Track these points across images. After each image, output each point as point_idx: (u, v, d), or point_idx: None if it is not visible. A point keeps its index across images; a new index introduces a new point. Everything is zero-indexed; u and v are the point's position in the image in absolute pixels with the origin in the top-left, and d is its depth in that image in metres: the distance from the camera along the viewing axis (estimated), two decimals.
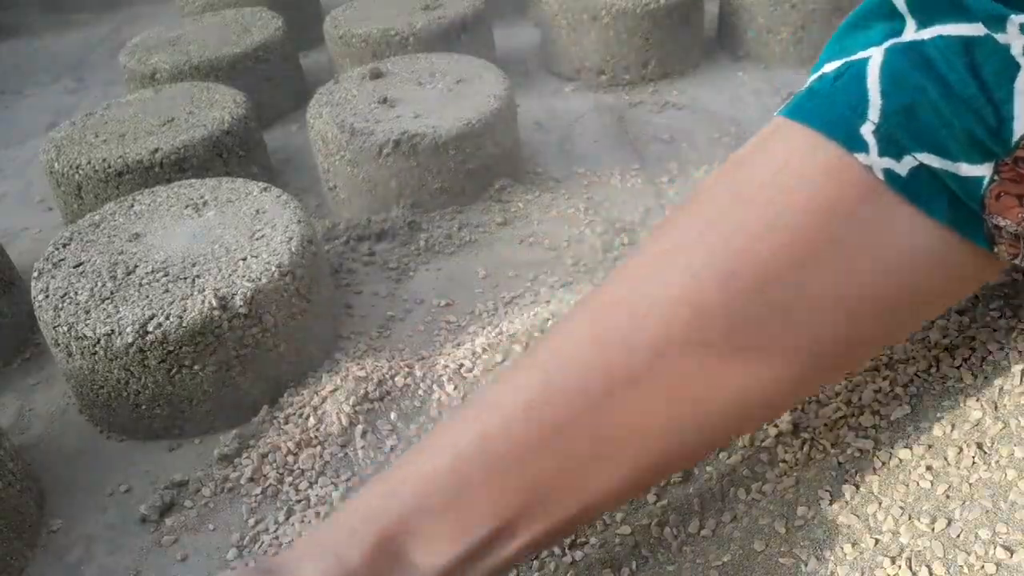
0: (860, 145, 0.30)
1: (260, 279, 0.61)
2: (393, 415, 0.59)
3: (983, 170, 0.29)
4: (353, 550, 0.29)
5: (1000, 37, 0.28)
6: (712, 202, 0.31)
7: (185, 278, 0.62)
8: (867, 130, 0.30)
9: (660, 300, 0.29)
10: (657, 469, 0.31)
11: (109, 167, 0.83)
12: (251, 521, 0.54)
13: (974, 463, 0.35)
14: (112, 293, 0.61)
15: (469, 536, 0.29)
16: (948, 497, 0.34)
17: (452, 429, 0.31)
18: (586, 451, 0.29)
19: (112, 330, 0.58)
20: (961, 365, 0.39)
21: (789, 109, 0.33)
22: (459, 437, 0.30)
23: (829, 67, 0.33)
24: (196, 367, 0.60)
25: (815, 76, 0.33)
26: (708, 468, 0.43)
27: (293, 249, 0.64)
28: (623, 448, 0.30)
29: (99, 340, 0.58)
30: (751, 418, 0.32)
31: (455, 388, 0.61)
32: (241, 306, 0.60)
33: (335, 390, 0.61)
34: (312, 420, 0.59)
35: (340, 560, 0.28)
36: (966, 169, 0.29)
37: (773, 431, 0.43)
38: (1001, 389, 0.36)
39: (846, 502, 0.37)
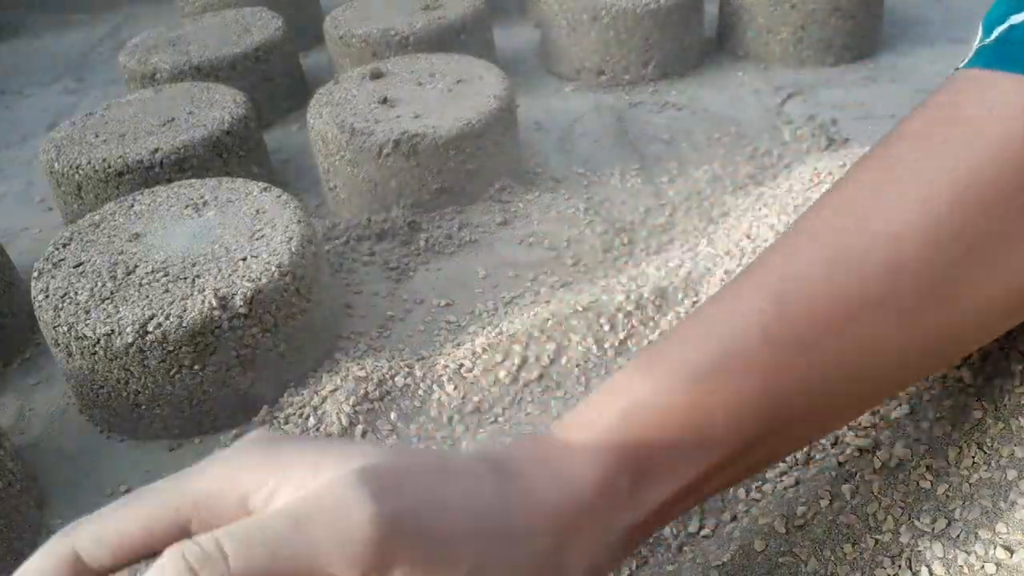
0: None
1: (260, 279, 0.61)
2: (393, 415, 0.59)
3: None
4: (588, 473, 0.27)
5: None
6: (920, 139, 0.32)
7: (185, 278, 0.62)
8: None
9: (891, 224, 0.29)
10: (880, 394, 0.32)
11: (109, 167, 0.83)
12: None
13: (974, 463, 0.35)
14: (112, 293, 0.61)
15: (707, 459, 0.28)
16: (948, 497, 0.34)
17: (682, 349, 0.30)
18: (825, 375, 0.29)
19: (112, 330, 0.58)
20: (961, 365, 0.39)
21: (981, 60, 0.33)
22: (694, 359, 0.29)
23: (1016, 18, 0.33)
24: (196, 367, 0.60)
25: (1002, 28, 0.34)
26: None
27: (293, 249, 0.64)
28: (858, 372, 0.29)
29: (99, 340, 0.58)
30: (976, 337, 0.32)
31: (455, 388, 0.61)
32: (241, 306, 0.60)
33: (335, 390, 0.61)
34: (312, 420, 0.59)
35: (573, 480, 0.27)
36: None
37: None
38: (1001, 389, 0.36)
39: (846, 502, 0.37)
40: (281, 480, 0.21)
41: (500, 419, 0.58)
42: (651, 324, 0.63)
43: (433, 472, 0.25)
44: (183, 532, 0.21)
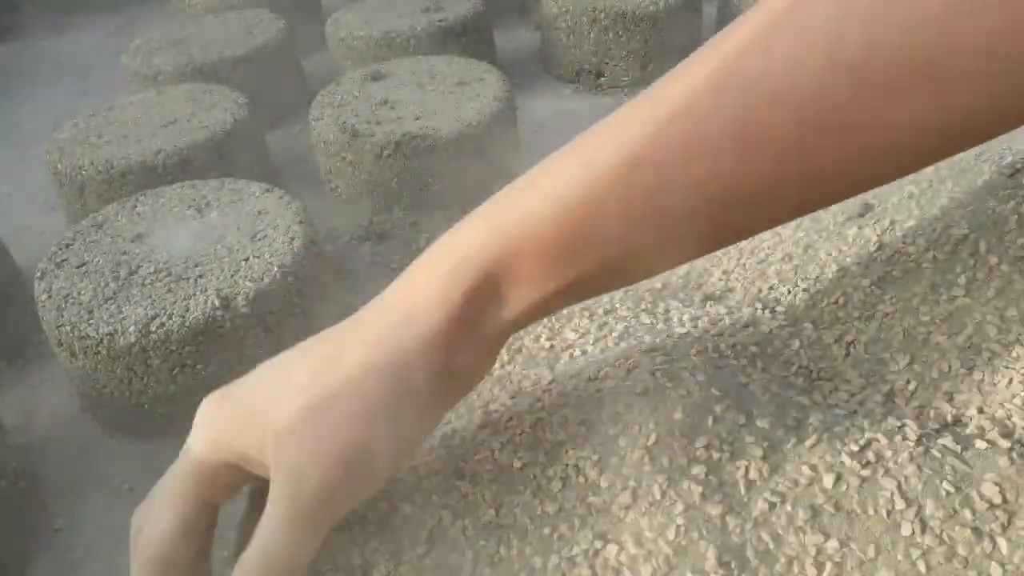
0: None
1: (262, 279, 0.61)
2: None
3: None
4: (455, 288, 0.28)
5: None
6: None
7: (188, 278, 0.62)
8: None
9: (798, 45, 0.25)
10: (758, 219, 0.29)
11: (112, 168, 0.84)
12: None
13: None
14: (115, 293, 0.62)
15: (566, 276, 0.29)
16: None
17: (555, 173, 0.30)
18: (684, 209, 0.28)
19: (115, 330, 0.59)
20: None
21: None
22: (563, 183, 0.29)
23: None
24: (199, 367, 0.60)
25: None
26: None
27: (295, 250, 0.64)
28: (721, 207, 0.28)
29: (102, 340, 0.59)
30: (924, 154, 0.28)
31: None
32: (243, 306, 0.60)
33: None
34: None
35: (443, 299, 0.28)
36: None
37: None
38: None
39: None
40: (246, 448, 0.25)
41: None
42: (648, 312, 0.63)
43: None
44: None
